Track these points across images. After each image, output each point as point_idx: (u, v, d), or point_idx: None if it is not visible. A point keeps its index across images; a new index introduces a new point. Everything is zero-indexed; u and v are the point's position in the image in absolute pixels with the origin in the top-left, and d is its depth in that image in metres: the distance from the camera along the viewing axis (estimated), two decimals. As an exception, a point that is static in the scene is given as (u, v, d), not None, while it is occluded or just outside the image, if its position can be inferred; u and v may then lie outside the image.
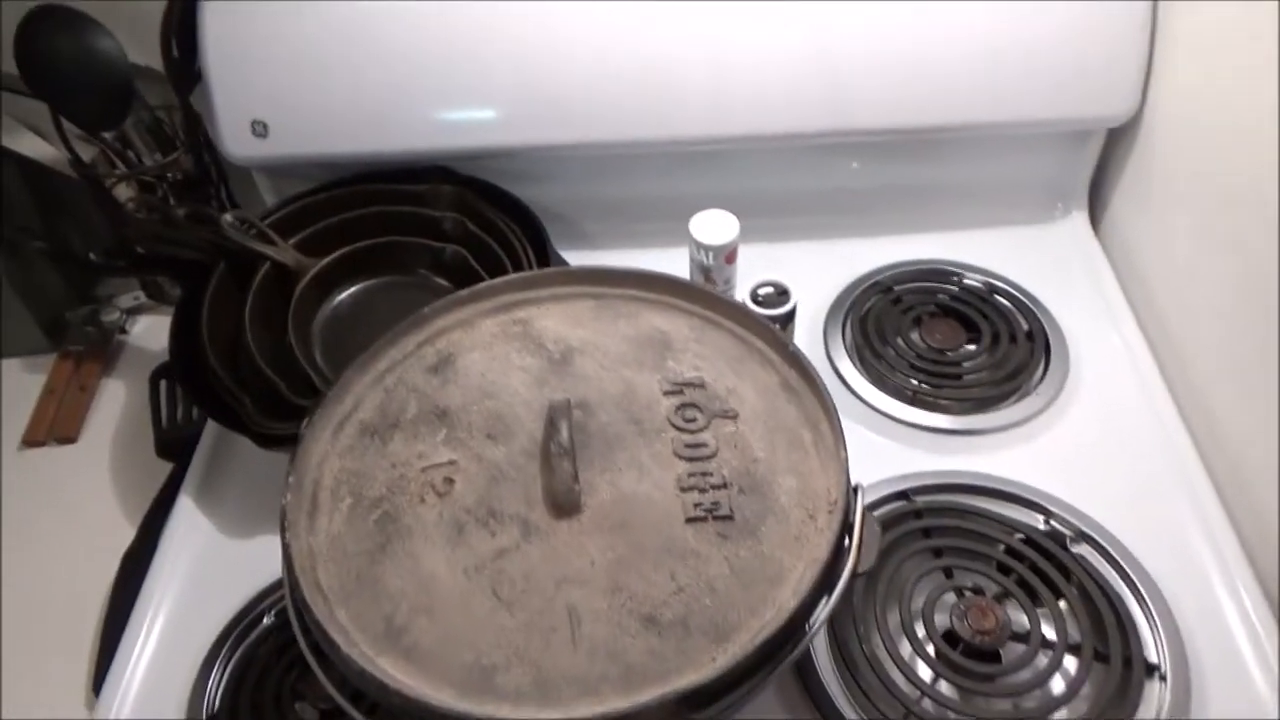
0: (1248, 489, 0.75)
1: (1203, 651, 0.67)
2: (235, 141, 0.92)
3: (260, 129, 0.92)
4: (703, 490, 0.58)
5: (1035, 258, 0.96)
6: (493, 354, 0.67)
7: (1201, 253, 0.84)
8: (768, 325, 0.67)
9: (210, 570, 0.76)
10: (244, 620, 0.71)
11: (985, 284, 0.94)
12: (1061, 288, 0.93)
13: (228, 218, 0.82)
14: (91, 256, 0.97)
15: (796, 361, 0.64)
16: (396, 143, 0.92)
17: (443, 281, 0.87)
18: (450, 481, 0.59)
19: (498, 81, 0.90)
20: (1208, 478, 0.78)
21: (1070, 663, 0.65)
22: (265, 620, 0.71)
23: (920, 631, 0.67)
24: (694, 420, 0.62)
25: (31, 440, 0.95)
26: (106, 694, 0.69)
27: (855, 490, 0.58)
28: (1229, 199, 0.79)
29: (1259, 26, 0.73)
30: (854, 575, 0.55)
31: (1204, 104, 0.84)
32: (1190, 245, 0.85)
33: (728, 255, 0.87)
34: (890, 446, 0.82)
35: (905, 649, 0.67)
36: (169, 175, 0.99)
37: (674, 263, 0.87)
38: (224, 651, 0.70)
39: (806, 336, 0.91)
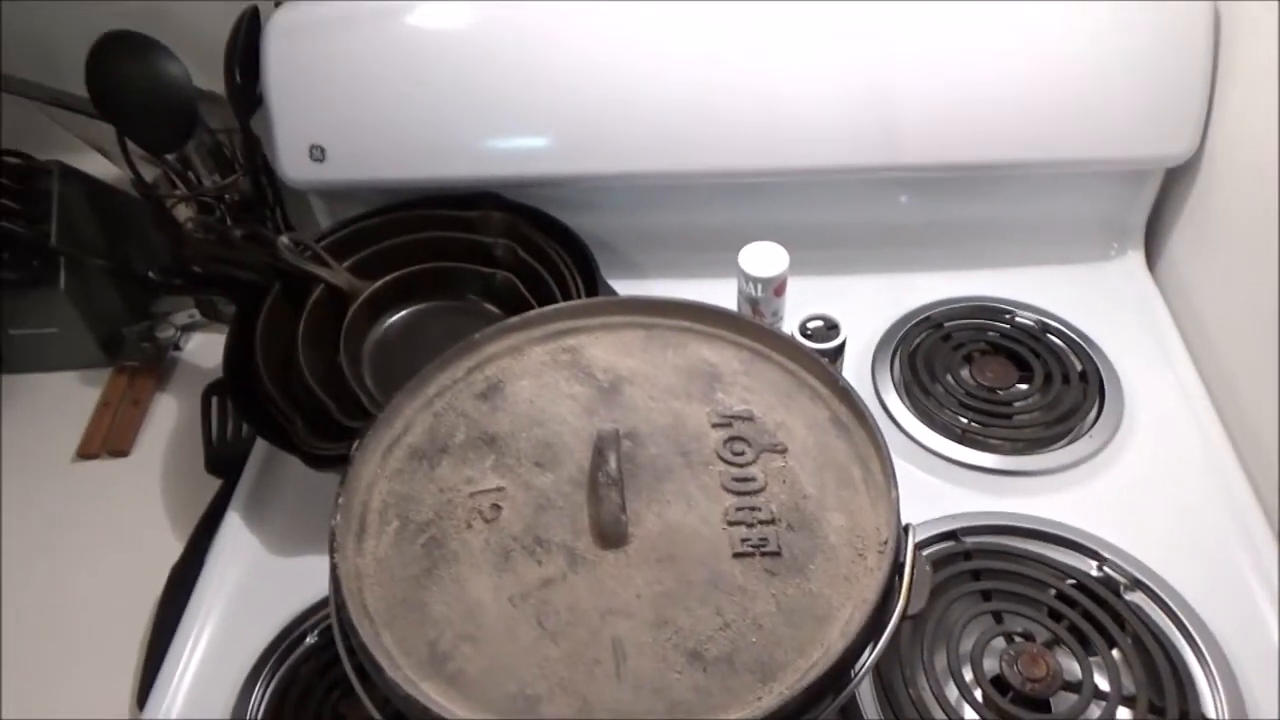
0: (1310, 540, 0.73)
1: (1263, 707, 0.65)
2: (293, 166, 0.94)
3: (318, 154, 0.94)
4: (750, 525, 0.57)
5: (1090, 297, 0.95)
6: (542, 381, 0.67)
7: (1260, 296, 0.82)
8: (818, 359, 0.67)
9: (256, 587, 0.77)
10: (288, 638, 0.72)
11: (1038, 322, 0.92)
12: (1116, 328, 0.91)
13: (284, 240, 0.84)
14: (150, 274, 1.00)
15: (847, 396, 0.64)
16: (449, 169, 0.93)
17: (492, 308, 0.88)
18: (498, 508, 0.59)
19: (549, 111, 0.91)
20: (1267, 526, 0.76)
21: (1124, 715, 0.64)
22: (309, 639, 0.72)
23: (968, 676, 0.66)
24: (742, 454, 0.61)
25: (86, 452, 0.97)
26: (150, 708, 0.70)
27: (906, 530, 0.57)
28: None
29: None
30: (904, 617, 0.54)
31: (1265, 145, 0.82)
32: (1249, 288, 0.84)
33: (776, 288, 0.86)
34: (938, 485, 0.81)
35: (952, 693, 0.66)
36: (227, 197, 1.02)
37: (723, 294, 0.87)
38: (267, 669, 0.70)
39: (855, 371, 0.90)
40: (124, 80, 0.88)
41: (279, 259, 0.84)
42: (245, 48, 0.93)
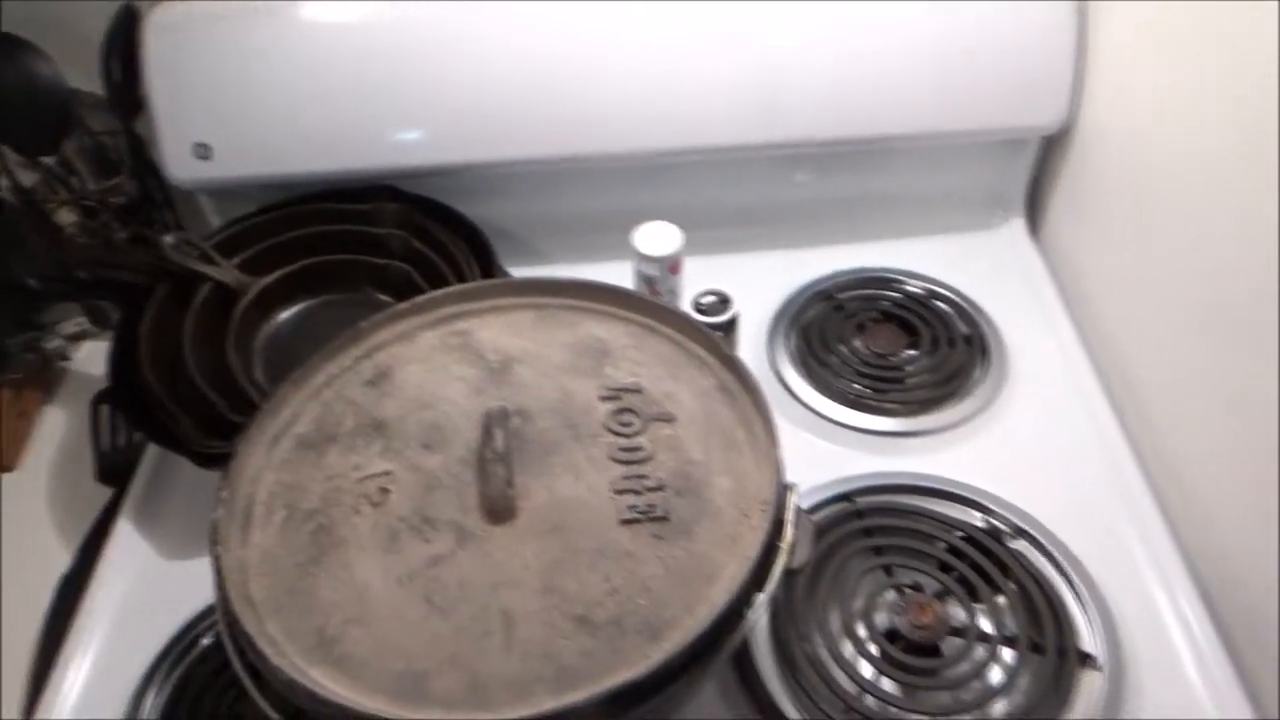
0: (1180, 484, 0.77)
1: (1137, 641, 0.68)
2: (179, 165, 0.92)
3: (204, 152, 0.92)
4: (638, 493, 0.58)
5: (975, 264, 0.98)
6: (431, 365, 0.67)
7: (1133, 257, 0.86)
8: (705, 330, 0.68)
9: (148, 592, 0.75)
10: (182, 642, 0.71)
11: (926, 290, 0.95)
12: (1000, 293, 0.95)
13: (169, 239, 0.82)
14: (31, 283, 0.96)
15: (732, 364, 0.65)
16: (341, 162, 0.92)
17: (387, 299, 0.88)
18: (385, 491, 0.59)
19: (440, 100, 0.91)
20: (1141, 474, 0.79)
21: (1007, 654, 0.66)
22: (203, 641, 0.70)
23: (861, 630, 0.68)
24: (630, 425, 0.62)
25: (-30, 469, 0.93)
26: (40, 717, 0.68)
27: (788, 488, 0.58)
28: (1158, 205, 0.81)
29: (1183, 34, 0.75)
30: (788, 571, 0.55)
31: (1132, 112, 0.86)
32: (1122, 250, 0.88)
33: (671, 266, 0.87)
34: (835, 450, 0.83)
35: (847, 647, 0.67)
36: (112, 200, 0.99)
37: (621, 275, 0.87)
38: (160, 673, 0.69)
39: (751, 345, 0.92)
40: (-9, 81, 0.85)
41: (165, 259, 0.82)
42: (123, 44, 0.91)
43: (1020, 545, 0.73)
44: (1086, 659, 0.66)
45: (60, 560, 0.82)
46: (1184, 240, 0.77)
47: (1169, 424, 0.79)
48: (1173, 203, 0.79)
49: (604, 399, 0.64)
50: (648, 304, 0.70)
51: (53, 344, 1.03)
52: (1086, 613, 0.69)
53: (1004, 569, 0.71)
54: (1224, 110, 0.71)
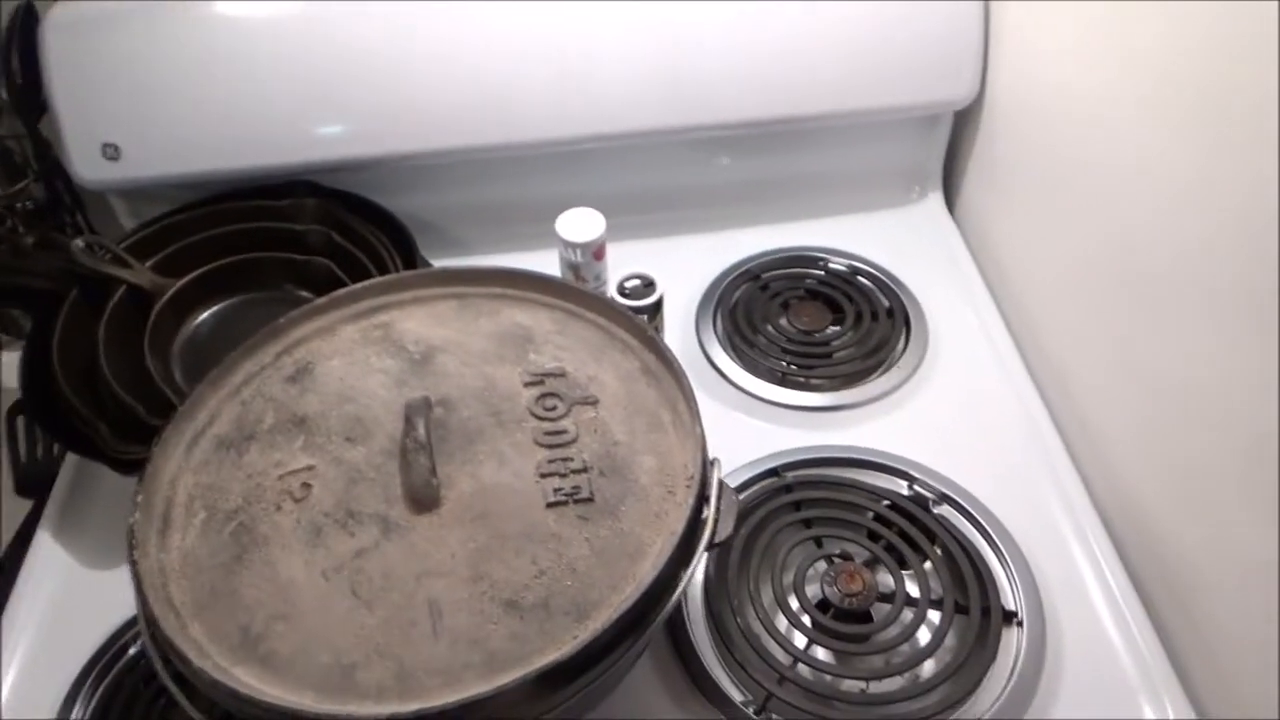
0: (1095, 445, 0.80)
1: (1057, 598, 0.71)
2: (86, 166, 0.89)
3: (112, 151, 0.89)
4: (563, 475, 0.58)
5: (895, 239, 1.00)
6: (353, 359, 0.67)
7: (1042, 227, 0.88)
8: (627, 313, 0.68)
9: (73, 603, 0.73)
10: (108, 652, 0.69)
11: (849, 267, 0.97)
12: (920, 266, 0.97)
13: (78, 243, 0.80)
14: (-64, 293, 0.93)
15: (655, 346, 0.66)
16: (256, 159, 0.91)
17: (308, 295, 0.86)
18: (308, 487, 0.58)
19: (356, 93, 0.89)
20: (1060, 439, 0.82)
21: (934, 616, 0.68)
22: (130, 650, 0.69)
23: (793, 601, 0.69)
24: (554, 409, 0.62)
25: (-121, 490, 0.90)
26: (-38, 739, 0.66)
27: (712, 463, 0.59)
28: (1062, 176, 0.84)
29: (1082, 9, 0.77)
30: (712, 544, 0.56)
31: (1035, 86, 0.88)
32: (1032, 221, 0.90)
33: (596, 252, 0.87)
34: (764, 428, 0.84)
35: (780, 619, 0.69)
36: (19, 205, 0.96)
37: (547, 263, 0.87)
38: (87, 686, 0.67)
39: (679, 328, 0.92)
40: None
41: (76, 264, 0.80)
42: (22, 44, 0.88)
43: (945, 511, 0.75)
44: (1010, 617, 0.69)
45: (-22, 577, 0.80)
46: (1088, 207, 0.80)
47: (1082, 390, 0.82)
48: (1076, 171, 0.81)
49: (528, 385, 0.64)
50: (571, 290, 0.71)
51: (-37, 356, 1.00)
52: (1009, 573, 0.71)
53: (930, 535, 0.73)
54: (1121, 76, 0.73)
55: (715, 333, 0.92)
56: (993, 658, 0.66)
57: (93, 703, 0.67)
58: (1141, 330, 0.73)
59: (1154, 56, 0.69)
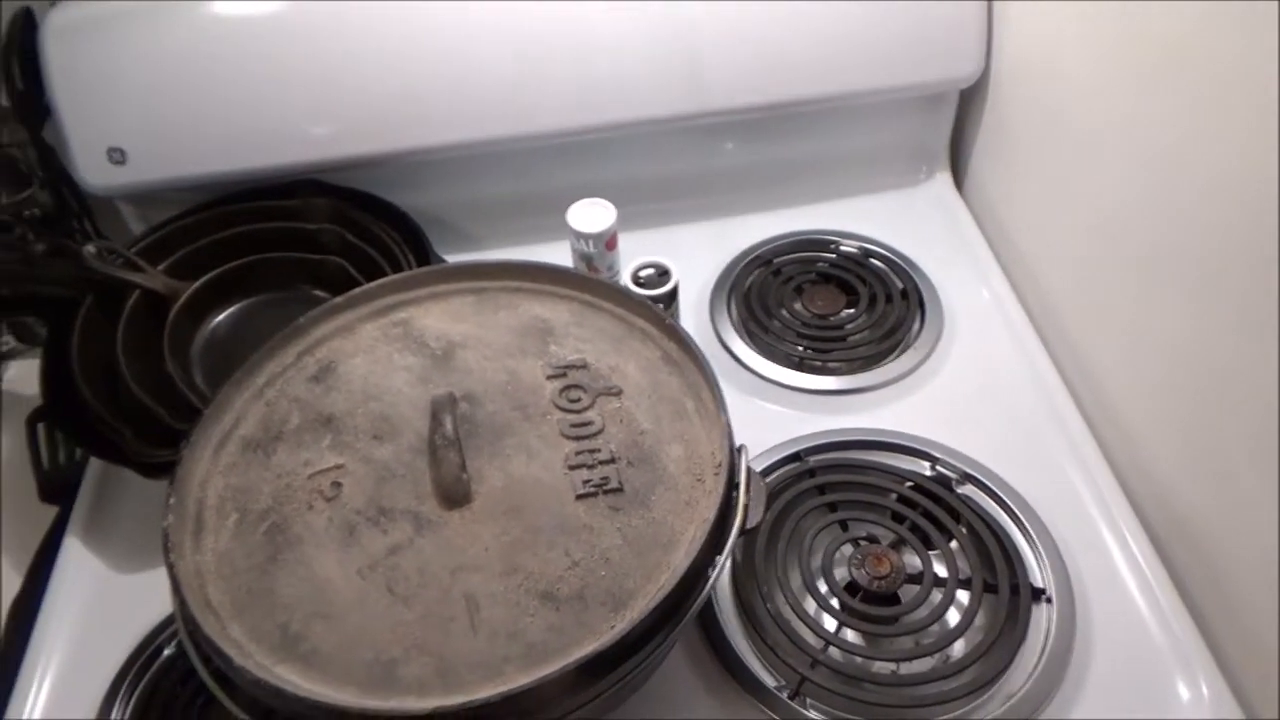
0: (1114, 417, 0.80)
1: (1085, 573, 0.71)
2: (92, 171, 0.89)
3: (118, 156, 0.89)
4: (591, 466, 0.59)
5: (905, 220, 1.00)
6: (374, 357, 0.67)
7: (1053, 203, 0.88)
8: (645, 302, 0.68)
9: (104, 608, 0.74)
10: (143, 654, 0.69)
11: (860, 249, 0.97)
12: (931, 246, 0.97)
13: (89, 248, 0.80)
14: (-52, 303, 0.93)
15: (675, 334, 0.66)
16: (263, 159, 0.90)
17: (324, 294, 0.86)
18: (338, 485, 0.58)
19: (360, 89, 0.89)
20: (1078, 411, 0.82)
21: (963, 596, 0.68)
22: (166, 651, 0.69)
23: (822, 585, 0.69)
24: (579, 400, 0.63)
25: (-99, 500, 0.90)
26: (0, 747, 0.67)
27: (739, 450, 0.59)
28: (1070, 151, 0.83)
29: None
30: (744, 530, 0.56)
31: (1040, 62, 0.88)
32: (1042, 197, 0.90)
33: (608, 242, 0.88)
34: (783, 413, 0.84)
35: (809, 603, 0.69)
36: (26, 213, 0.96)
37: (558, 255, 0.88)
38: (124, 689, 0.68)
39: (693, 316, 0.92)
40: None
41: (88, 269, 0.80)
42: (23, 50, 0.88)
43: (969, 490, 0.76)
44: (1039, 594, 0.69)
45: (10, 583, 0.80)
46: (1098, 182, 0.80)
47: (1100, 364, 0.82)
48: (1084, 145, 0.81)
49: (550, 377, 0.64)
50: (587, 280, 0.71)
51: (-21, 365, 1.00)
52: (1036, 551, 0.71)
53: (954, 514, 0.73)
54: (1127, 49, 0.73)
55: (730, 319, 0.92)
56: (1023, 636, 0.66)
57: (130, 705, 0.67)
58: (1158, 303, 0.73)
59: (1158, 29, 0.69)
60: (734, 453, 0.59)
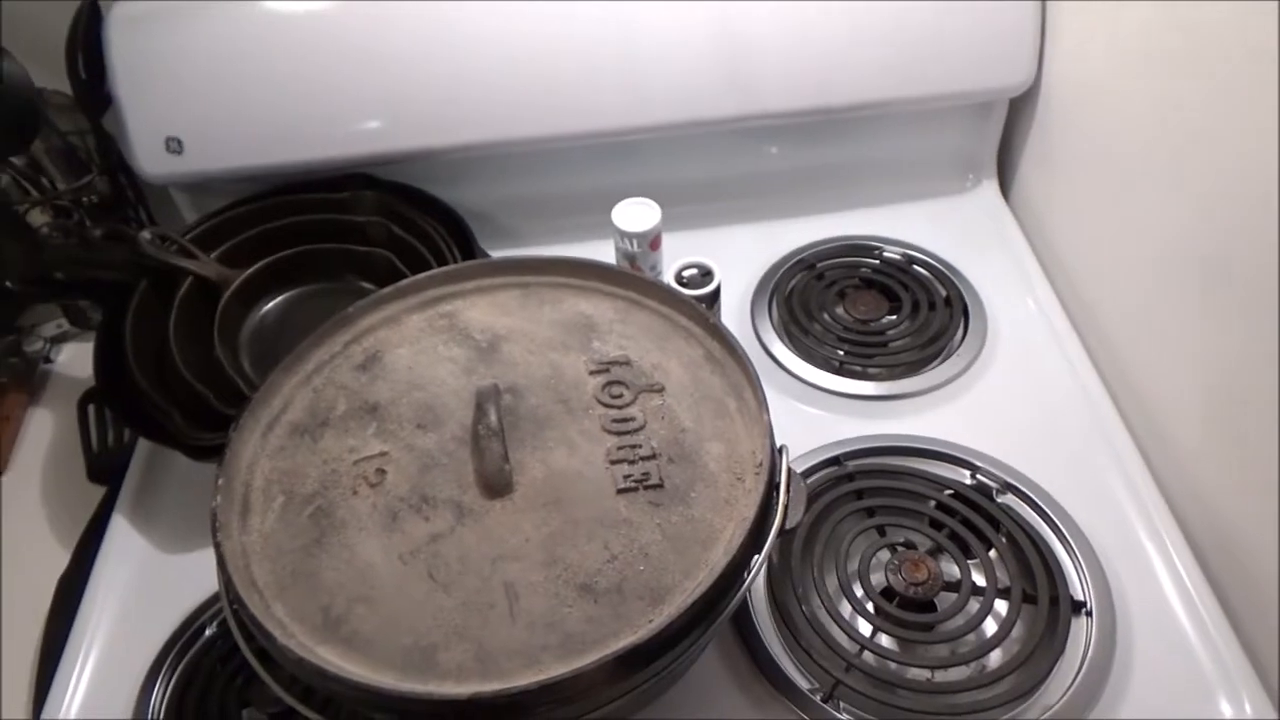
0: (1160, 430, 0.79)
1: (1126, 586, 0.70)
2: (150, 160, 0.91)
3: (175, 146, 0.91)
4: (632, 462, 0.59)
5: (950, 228, 0.99)
6: (420, 348, 0.67)
7: (1101, 215, 0.87)
8: (690, 301, 0.68)
9: (148, 587, 0.75)
10: (185, 633, 0.71)
11: (904, 256, 0.96)
12: (976, 254, 0.96)
13: (145, 234, 0.82)
14: (8, 285, 0.95)
15: (718, 333, 0.66)
16: (314, 152, 0.92)
17: (369, 286, 0.87)
18: (382, 472, 0.59)
19: (411, 85, 0.90)
20: (1122, 423, 0.81)
21: (1001, 606, 0.68)
22: (207, 631, 0.71)
23: (858, 589, 0.69)
24: (621, 396, 0.63)
25: (-45, 475, 0.93)
26: (47, 716, 0.68)
27: (780, 451, 0.59)
28: (1123, 160, 0.82)
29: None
30: (783, 531, 0.56)
31: (1094, 72, 0.87)
32: (1090, 208, 0.89)
33: (652, 242, 0.88)
34: (821, 416, 0.84)
35: (845, 607, 0.69)
36: (84, 199, 0.98)
37: (602, 254, 0.87)
38: (166, 666, 0.69)
39: (734, 317, 0.92)
40: (-45, 82, 0.84)
41: (143, 255, 0.82)
42: (87, 42, 0.90)
43: (1009, 500, 0.75)
44: (1079, 607, 0.68)
45: (56, 558, 0.82)
46: (1150, 193, 0.78)
47: (1145, 376, 0.81)
48: (1136, 157, 0.80)
49: (593, 373, 0.65)
50: (632, 278, 0.71)
51: (34, 347, 1.02)
52: (1076, 563, 0.71)
53: (994, 523, 0.72)
54: (1184, 64, 0.72)
55: (771, 321, 0.92)
56: (1062, 648, 0.65)
57: (172, 682, 0.69)
58: (1205, 315, 0.72)
59: (1217, 46, 0.68)
60: (775, 452, 0.59)
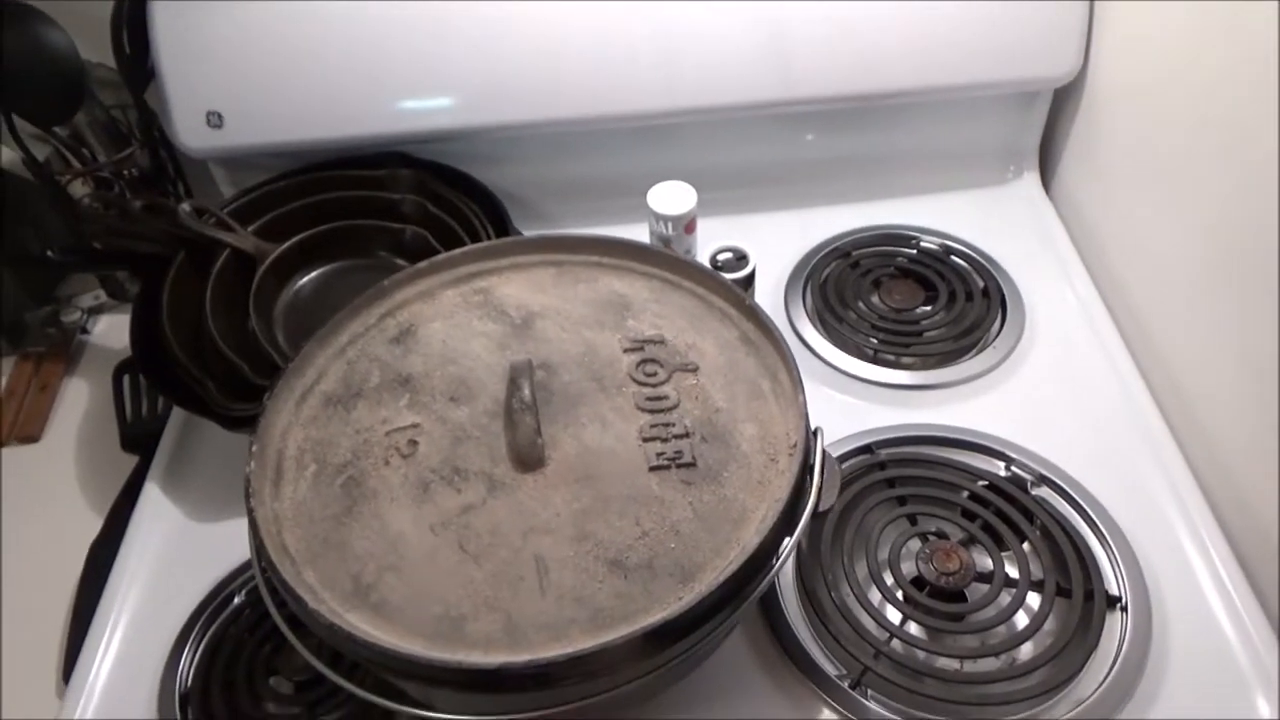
0: (1200, 426, 0.77)
1: (1162, 581, 0.69)
2: (190, 134, 0.92)
3: (215, 120, 0.92)
4: (665, 440, 0.59)
5: (990, 219, 0.98)
6: (454, 322, 0.67)
7: (1144, 209, 0.86)
8: (725, 282, 0.68)
9: (179, 554, 0.76)
10: (214, 601, 0.71)
11: (942, 245, 0.95)
12: (1015, 246, 0.95)
13: (184, 207, 0.82)
14: (49, 255, 0.97)
15: (754, 315, 0.65)
16: (352, 129, 0.92)
17: (403, 263, 0.87)
18: (414, 444, 0.59)
19: (450, 63, 0.90)
20: (1161, 417, 0.80)
21: (1033, 599, 0.67)
22: (236, 599, 0.71)
23: (888, 577, 0.68)
24: (655, 375, 0.63)
25: (-8, 442, 0.94)
26: (76, 680, 0.69)
27: (815, 433, 0.59)
28: (1168, 155, 0.81)
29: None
30: (815, 513, 0.56)
31: (1142, 64, 0.86)
32: (1133, 202, 0.88)
33: (687, 225, 0.87)
34: (854, 404, 0.83)
35: (874, 594, 0.68)
36: (125, 171, 0.99)
37: (637, 237, 0.87)
38: (195, 632, 0.70)
39: (768, 303, 0.92)
40: (3, 50, 0.85)
41: (181, 227, 0.82)
42: (132, 15, 0.91)
43: (1043, 492, 0.74)
44: (1113, 601, 0.67)
45: (89, 525, 0.83)
46: (1192, 191, 0.77)
47: (1186, 371, 0.79)
48: (1179, 154, 0.79)
49: (627, 351, 0.64)
50: (667, 258, 0.70)
51: (71, 317, 1.03)
52: (1112, 557, 0.70)
53: (1028, 515, 0.71)
54: (1233, 60, 0.71)
55: (805, 308, 0.91)
56: (1095, 643, 0.64)
57: (200, 649, 0.69)
58: (1249, 311, 0.71)
59: (1267, 43, 0.66)
60: (810, 434, 0.58)
